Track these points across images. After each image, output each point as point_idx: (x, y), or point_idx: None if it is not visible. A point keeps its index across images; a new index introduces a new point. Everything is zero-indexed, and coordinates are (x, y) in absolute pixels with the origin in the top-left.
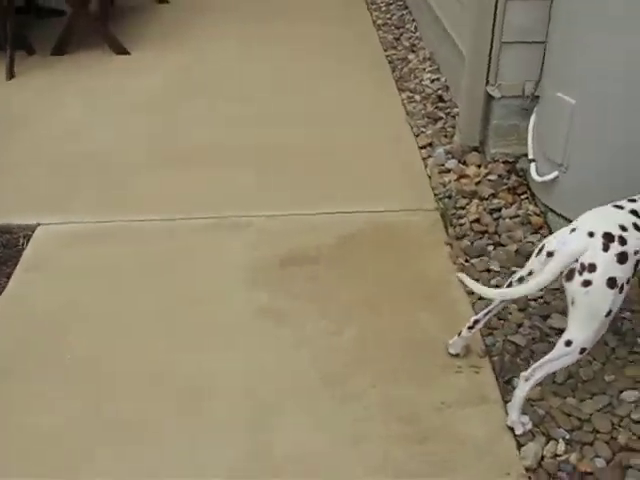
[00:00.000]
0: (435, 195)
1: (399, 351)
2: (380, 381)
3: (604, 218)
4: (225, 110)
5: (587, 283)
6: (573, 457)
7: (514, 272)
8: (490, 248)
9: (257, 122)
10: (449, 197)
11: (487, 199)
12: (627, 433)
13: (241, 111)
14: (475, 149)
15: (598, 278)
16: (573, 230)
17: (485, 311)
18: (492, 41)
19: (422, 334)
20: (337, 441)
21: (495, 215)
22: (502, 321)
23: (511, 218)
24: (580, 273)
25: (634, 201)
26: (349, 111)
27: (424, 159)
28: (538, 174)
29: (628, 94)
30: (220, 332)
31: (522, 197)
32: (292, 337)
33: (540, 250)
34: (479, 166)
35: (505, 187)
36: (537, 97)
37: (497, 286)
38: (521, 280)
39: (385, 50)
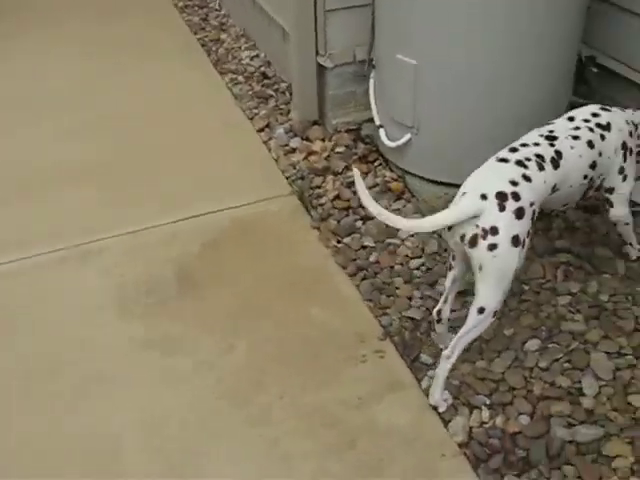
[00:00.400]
0: (287, 178)
1: (298, 353)
2: (288, 391)
3: (492, 176)
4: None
5: (493, 247)
6: (499, 421)
7: (390, 244)
8: (359, 224)
9: (81, 134)
10: (302, 178)
11: (341, 173)
12: (540, 383)
13: (56, 124)
14: (315, 123)
15: (503, 239)
16: (464, 194)
17: (443, 298)
18: (316, 11)
19: (316, 330)
20: (265, 467)
21: (353, 188)
22: (392, 297)
23: (370, 188)
24: (484, 238)
25: (516, 150)
26: (175, 107)
27: (265, 142)
28: (389, 139)
29: (469, 48)
30: (103, 379)
31: (375, 165)
32: (183, 365)
33: None
34: (323, 140)
35: (356, 157)
36: (372, 61)
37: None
38: (453, 257)
39: (195, 33)
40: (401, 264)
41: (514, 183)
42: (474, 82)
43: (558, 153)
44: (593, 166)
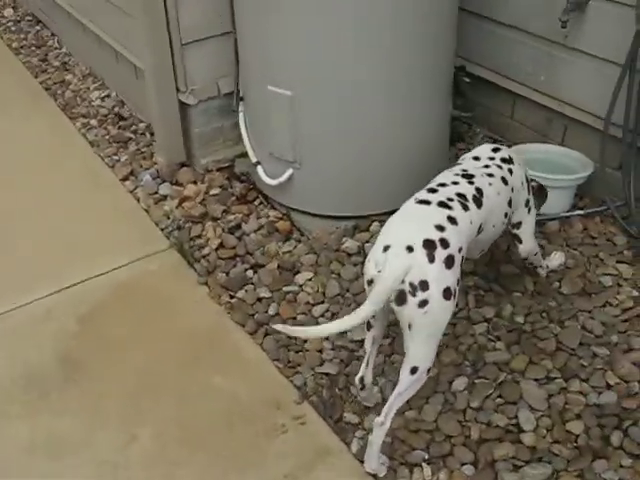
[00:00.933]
0: (162, 230)
1: (210, 433)
2: None
3: (416, 223)
4: None
5: (424, 303)
6: (442, 476)
7: (288, 292)
8: (250, 273)
9: None
10: (179, 228)
11: (220, 218)
12: (476, 425)
13: None
14: (184, 164)
15: (434, 294)
16: (387, 248)
17: (364, 363)
18: (171, 44)
19: (224, 401)
20: None
21: (237, 233)
22: (301, 353)
23: (256, 231)
24: (413, 294)
25: (435, 190)
26: (25, 164)
27: (132, 192)
28: (269, 177)
29: (341, 76)
30: None
31: (256, 204)
32: (80, 468)
33: (364, 280)
34: (195, 182)
35: (234, 198)
36: (239, 93)
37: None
38: (368, 326)
39: (36, 77)
40: (304, 313)
41: (440, 228)
42: (354, 110)
43: (479, 190)
44: (510, 203)
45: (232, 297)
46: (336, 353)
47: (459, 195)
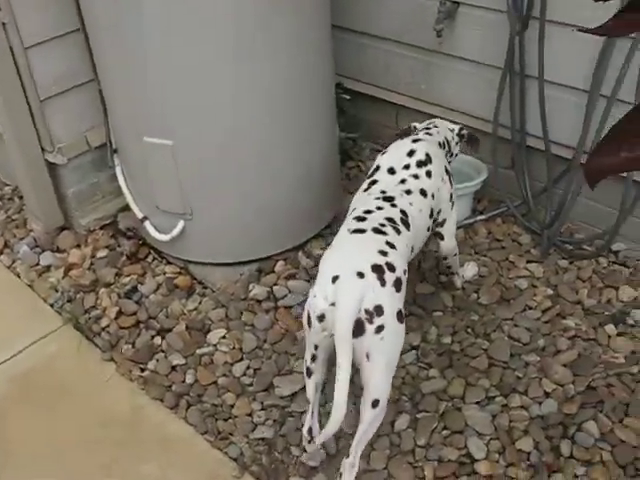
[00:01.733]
0: (52, 306)
1: None
2: None
3: (358, 250)
4: None
5: (380, 329)
6: None
7: (202, 355)
8: (157, 340)
9: None
10: (70, 301)
11: (114, 283)
12: (428, 465)
13: None
14: (63, 228)
15: (389, 318)
16: (336, 278)
17: (309, 414)
18: (29, 102)
19: None
20: None
21: (135, 297)
22: (230, 420)
23: (155, 291)
24: (370, 321)
25: (364, 218)
26: None
27: (10, 267)
28: (160, 231)
29: (220, 120)
30: None
31: (150, 261)
32: None
33: (308, 319)
34: (79, 246)
35: (124, 258)
36: (112, 145)
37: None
38: (314, 358)
39: None
40: (225, 375)
41: (383, 253)
42: (238, 153)
43: (403, 212)
44: (431, 214)
45: (143, 370)
46: (267, 414)
47: (388, 220)
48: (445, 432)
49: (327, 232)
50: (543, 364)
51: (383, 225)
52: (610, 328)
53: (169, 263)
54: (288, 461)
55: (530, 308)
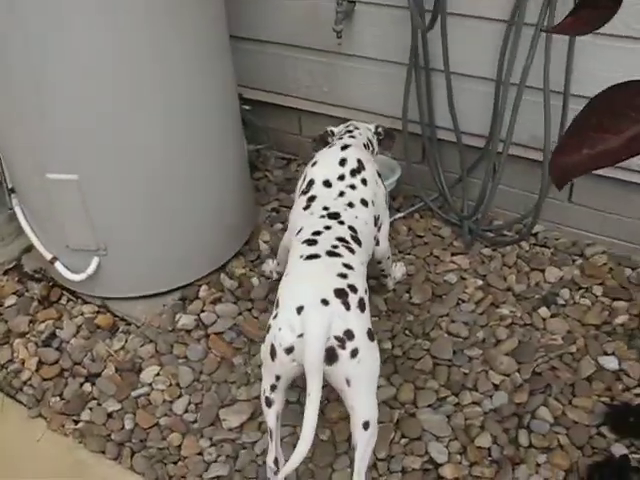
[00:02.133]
0: None
1: None
2: None
3: (317, 276)
4: None
5: (355, 352)
6: None
7: (138, 396)
8: (87, 387)
9: None
10: None
11: (29, 331)
12: (393, 476)
13: None
14: None
15: (361, 340)
16: (301, 309)
17: (273, 444)
18: None
19: None
20: None
21: (55, 344)
22: (180, 462)
23: (75, 335)
24: (342, 347)
25: (314, 242)
26: None
27: None
28: (73, 271)
29: (125, 150)
30: None
31: (64, 303)
32: None
33: (272, 352)
34: None
35: (36, 303)
36: (7, 185)
37: None
38: (274, 388)
39: None
40: (166, 415)
41: (343, 275)
42: (147, 182)
43: (352, 229)
44: (375, 222)
45: (77, 422)
46: (218, 450)
47: (340, 240)
48: (404, 440)
49: (246, 249)
50: (486, 356)
51: (335, 247)
52: (544, 311)
53: (86, 302)
54: None
55: (463, 301)
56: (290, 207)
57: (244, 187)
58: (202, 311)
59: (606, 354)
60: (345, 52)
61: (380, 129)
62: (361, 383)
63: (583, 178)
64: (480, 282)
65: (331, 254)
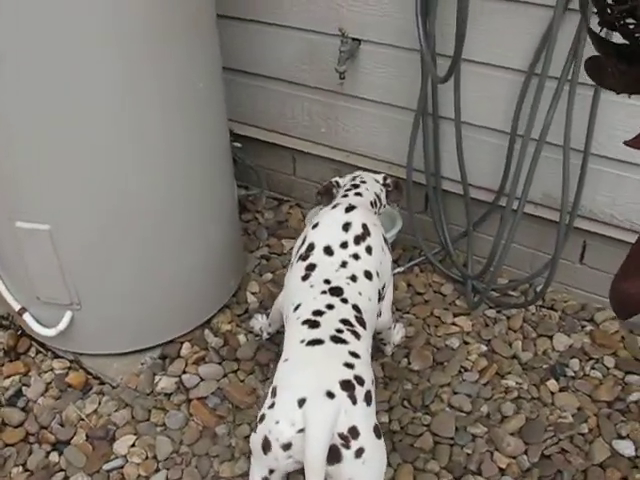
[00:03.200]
0: None
1: None
2: None
3: (322, 365)
4: None
5: (360, 452)
6: None
7: (110, 470)
8: (54, 457)
9: None
10: None
11: None
12: None
13: None
14: None
15: (367, 438)
16: (303, 401)
17: None
18: None
19: None
20: None
21: (20, 402)
22: None
23: (43, 394)
24: (346, 446)
25: (317, 324)
26: None
27: None
28: (44, 325)
29: (102, 198)
30: None
31: (32, 355)
32: None
33: (265, 446)
34: None
35: (1, 355)
36: None
37: None
38: None
39: None
40: None
41: (349, 365)
42: (126, 235)
43: (356, 308)
44: (379, 297)
45: None
46: None
47: (344, 322)
48: None
49: (233, 302)
50: (492, 435)
51: (340, 331)
52: (552, 384)
53: (57, 357)
54: None
55: (466, 370)
56: (281, 254)
57: (233, 232)
58: (184, 372)
59: (620, 437)
60: (347, 92)
61: (389, 180)
62: None
63: (597, 239)
64: (484, 348)
65: (336, 340)
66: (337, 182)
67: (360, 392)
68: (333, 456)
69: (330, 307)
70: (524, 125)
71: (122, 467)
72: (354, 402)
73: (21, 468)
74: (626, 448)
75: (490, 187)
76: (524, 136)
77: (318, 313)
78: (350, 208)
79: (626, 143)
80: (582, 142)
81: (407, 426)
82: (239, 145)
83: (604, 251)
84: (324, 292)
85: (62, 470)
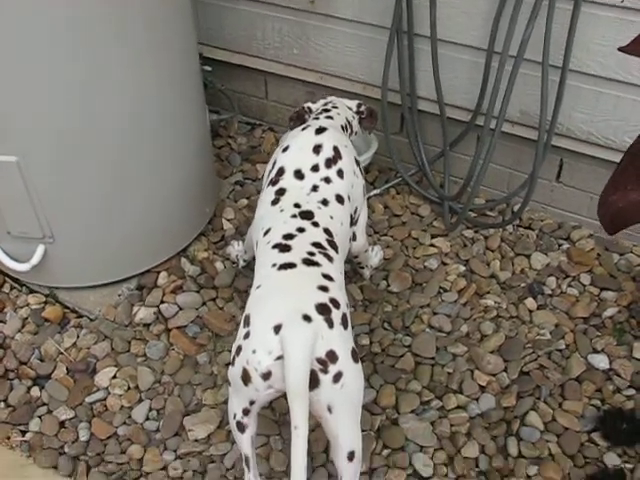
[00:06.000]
0: None
1: None
2: None
3: (296, 289)
4: None
5: (338, 376)
6: None
7: (94, 402)
8: (36, 392)
9: None
10: None
11: None
12: None
13: None
14: None
15: (344, 362)
16: (278, 327)
17: (251, 474)
18: None
19: None
20: None
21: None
22: (143, 479)
23: (20, 330)
24: (324, 371)
25: (288, 247)
26: None
27: None
28: (16, 260)
29: (72, 126)
30: None
31: (7, 291)
32: None
33: (245, 377)
34: None
35: None
36: None
37: None
38: (247, 412)
39: None
40: (124, 423)
41: (324, 288)
42: (100, 160)
43: (328, 232)
44: (351, 221)
45: (25, 433)
46: (184, 464)
47: (315, 245)
48: (385, 451)
49: (209, 229)
50: (472, 354)
51: (312, 254)
52: (530, 302)
53: (32, 292)
54: None
55: (445, 290)
56: (255, 179)
57: (205, 158)
58: (162, 302)
59: (596, 351)
60: (319, 11)
61: (363, 108)
62: (345, 410)
63: (574, 157)
64: (463, 268)
65: (308, 263)
66: (309, 108)
67: (336, 315)
68: (311, 381)
69: (301, 230)
70: (502, 42)
71: (105, 399)
72: (331, 326)
73: (3, 404)
74: (600, 362)
75: (467, 106)
76: (502, 53)
77: (289, 237)
78: (321, 130)
79: (621, 49)
80: (560, 58)
81: (388, 348)
82: (209, 68)
83: (580, 169)
84: (294, 216)
85: (45, 404)
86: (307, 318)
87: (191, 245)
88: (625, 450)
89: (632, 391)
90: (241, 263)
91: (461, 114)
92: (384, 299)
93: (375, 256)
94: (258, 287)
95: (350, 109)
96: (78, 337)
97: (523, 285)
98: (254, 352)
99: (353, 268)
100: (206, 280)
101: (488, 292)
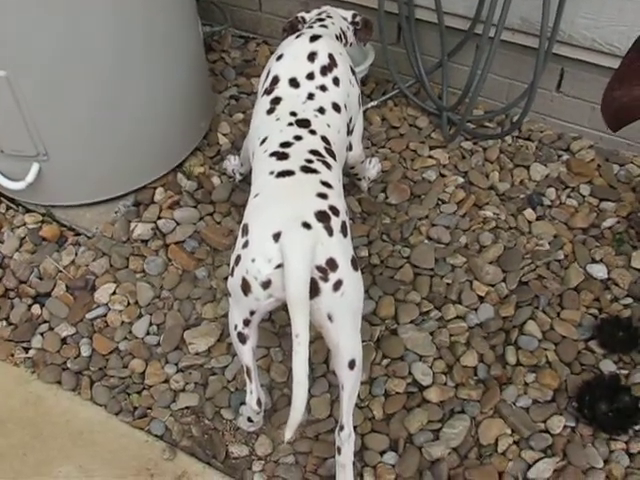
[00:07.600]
0: None
1: None
2: None
3: (295, 196)
4: None
5: (338, 284)
6: (368, 477)
7: (95, 318)
8: (37, 310)
9: None
10: None
11: None
12: (375, 401)
13: None
14: None
15: (344, 270)
16: (278, 235)
17: (253, 383)
18: None
19: None
20: None
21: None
22: (146, 392)
23: (18, 249)
24: (325, 279)
25: (285, 155)
26: None
27: None
28: (10, 178)
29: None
30: None
31: (3, 212)
32: None
33: (245, 287)
34: None
35: None
36: None
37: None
38: (248, 323)
39: None
40: (126, 338)
41: (323, 196)
42: (93, 74)
43: (325, 139)
44: (348, 129)
45: (28, 350)
46: (186, 377)
47: (313, 153)
48: (385, 361)
49: (204, 144)
50: (471, 265)
51: (310, 161)
52: (529, 213)
53: (28, 211)
54: (222, 427)
55: (444, 202)
56: (250, 93)
57: (199, 72)
58: (159, 218)
59: (594, 261)
60: None
61: (358, 18)
62: (345, 318)
63: (575, 66)
64: (461, 180)
65: (307, 170)
66: (303, 17)
67: (336, 223)
68: (311, 290)
69: (298, 138)
70: None
71: (105, 315)
72: (330, 233)
73: (4, 322)
74: (599, 271)
75: (465, 14)
76: None
77: (286, 145)
78: (315, 37)
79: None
80: None
81: (387, 259)
82: None
83: (582, 78)
84: (291, 124)
85: (46, 322)
86: (307, 225)
87: (187, 160)
88: (621, 357)
89: (629, 300)
90: (238, 177)
91: (460, 22)
92: (382, 211)
93: (372, 168)
94: (256, 195)
95: (345, 19)
96: (76, 255)
97: (522, 196)
98: (253, 261)
99: (351, 181)
100: (203, 195)
101: (487, 203)
